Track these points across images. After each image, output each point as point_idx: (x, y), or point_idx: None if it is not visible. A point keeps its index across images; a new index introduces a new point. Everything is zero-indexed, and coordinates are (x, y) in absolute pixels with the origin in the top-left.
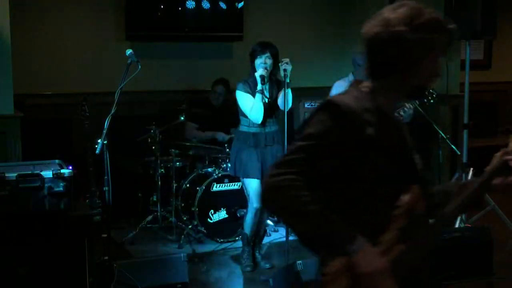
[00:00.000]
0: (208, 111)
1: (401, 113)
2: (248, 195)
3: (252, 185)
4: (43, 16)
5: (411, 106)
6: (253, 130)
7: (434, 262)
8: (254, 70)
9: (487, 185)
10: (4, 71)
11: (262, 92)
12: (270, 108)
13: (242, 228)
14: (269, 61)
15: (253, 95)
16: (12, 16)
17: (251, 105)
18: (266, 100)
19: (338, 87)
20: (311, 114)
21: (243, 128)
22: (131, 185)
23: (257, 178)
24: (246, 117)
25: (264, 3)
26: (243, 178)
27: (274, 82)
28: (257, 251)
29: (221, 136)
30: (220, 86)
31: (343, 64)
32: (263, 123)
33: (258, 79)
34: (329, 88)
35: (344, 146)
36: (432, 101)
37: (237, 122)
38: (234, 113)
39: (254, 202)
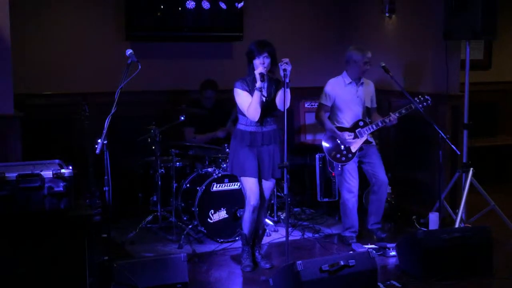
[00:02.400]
0: (205, 110)
1: (386, 120)
2: (245, 194)
3: (249, 183)
4: (43, 16)
5: (396, 115)
6: (250, 129)
7: (434, 262)
8: (252, 69)
9: None
10: (4, 71)
11: (261, 89)
12: (268, 107)
13: (241, 228)
14: (267, 60)
15: (251, 93)
16: (12, 16)
17: (248, 103)
18: (264, 99)
19: (332, 84)
20: None
21: (240, 126)
22: (131, 185)
23: (254, 177)
24: (244, 115)
25: (264, 3)
26: (240, 176)
27: (273, 81)
28: (257, 251)
29: (221, 133)
30: (209, 90)
31: (343, 64)
32: (261, 122)
33: (258, 77)
34: None
35: None
36: (425, 104)
37: (233, 119)
38: (229, 110)
39: (251, 200)
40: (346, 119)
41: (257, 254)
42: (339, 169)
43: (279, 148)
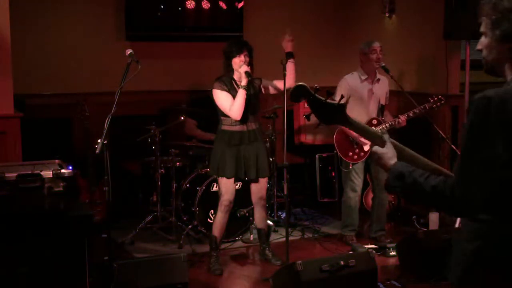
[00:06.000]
0: (209, 110)
1: (395, 122)
2: (220, 193)
3: (226, 183)
4: (43, 16)
5: (405, 116)
6: (235, 128)
7: (434, 262)
8: (229, 68)
9: None
10: (4, 71)
11: (245, 88)
12: (250, 105)
13: (239, 228)
14: (247, 58)
15: (230, 92)
16: (12, 16)
17: (230, 102)
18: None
19: (347, 80)
20: None
21: (225, 127)
22: (131, 185)
23: (231, 177)
24: (227, 116)
25: (264, 3)
26: (218, 176)
27: (252, 80)
28: (267, 249)
29: None
30: None
31: (343, 64)
32: (245, 121)
33: (243, 75)
34: (328, 88)
35: None
36: (439, 105)
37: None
38: None
39: (224, 199)
40: (360, 117)
41: (267, 252)
42: (350, 167)
43: (264, 147)
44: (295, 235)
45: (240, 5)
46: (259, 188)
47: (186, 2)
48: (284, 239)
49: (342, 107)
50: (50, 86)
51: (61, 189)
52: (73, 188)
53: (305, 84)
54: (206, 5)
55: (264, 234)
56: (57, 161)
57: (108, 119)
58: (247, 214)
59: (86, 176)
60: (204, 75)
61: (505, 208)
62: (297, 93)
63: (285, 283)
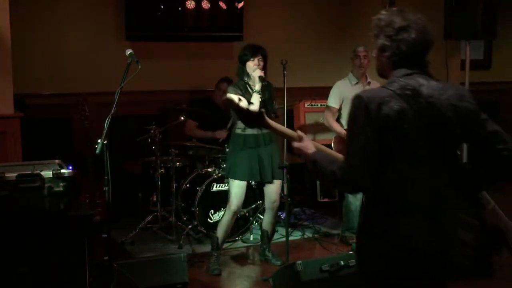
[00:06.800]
0: (209, 110)
1: None
2: (229, 197)
3: (236, 187)
4: (43, 16)
5: None
6: (249, 131)
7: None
8: (244, 73)
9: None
10: (4, 71)
11: (260, 93)
12: (266, 109)
13: (239, 229)
14: (262, 63)
15: (244, 96)
16: (12, 16)
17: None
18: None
19: (339, 86)
20: None
21: (239, 130)
22: (131, 185)
23: (243, 180)
24: None
25: (264, 3)
26: (230, 178)
27: (266, 84)
28: (267, 250)
29: (220, 134)
30: (225, 84)
31: (343, 64)
32: None
33: (257, 80)
34: (329, 88)
35: None
36: None
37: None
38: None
39: (232, 204)
40: None
41: (267, 252)
42: None
43: (278, 148)
44: (295, 235)
45: (240, 5)
46: (273, 191)
47: (186, 2)
48: (284, 239)
49: (261, 114)
50: (50, 86)
51: (61, 189)
52: (73, 188)
53: (231, 97)
54: (206, 5)
55: (267, 236)
56: (57, 161)
57: (108, 119)
58: (247, 214)
59: (86, 176)
60: (204, 75)
61: (382, 189)
62: (227, 103)
63: (285, 283)
